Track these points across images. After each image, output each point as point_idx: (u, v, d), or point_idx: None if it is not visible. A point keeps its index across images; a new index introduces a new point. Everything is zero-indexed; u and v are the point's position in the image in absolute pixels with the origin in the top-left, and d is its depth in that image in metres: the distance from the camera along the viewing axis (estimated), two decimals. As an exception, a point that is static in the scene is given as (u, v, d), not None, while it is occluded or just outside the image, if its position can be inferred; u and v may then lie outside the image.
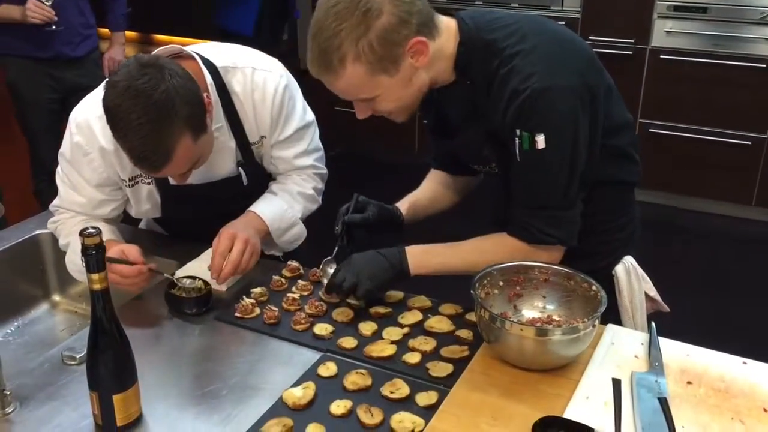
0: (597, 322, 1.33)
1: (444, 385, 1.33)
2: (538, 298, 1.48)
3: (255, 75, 1.71)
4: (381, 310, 1.57)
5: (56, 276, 1.95)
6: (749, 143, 4.04)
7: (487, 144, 1.50)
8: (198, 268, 1.70)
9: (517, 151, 1.41)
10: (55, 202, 1.80)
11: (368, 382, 1.34)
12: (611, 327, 1.44)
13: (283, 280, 1.68)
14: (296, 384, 1.34)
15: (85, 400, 1.25)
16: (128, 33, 3.80)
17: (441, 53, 1.43)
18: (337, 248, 1.62)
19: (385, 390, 1.32)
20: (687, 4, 3.97)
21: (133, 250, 1.60)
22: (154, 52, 1.54)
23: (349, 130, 5.19)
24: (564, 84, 1.37)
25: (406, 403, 1.29)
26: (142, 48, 6.61)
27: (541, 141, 1.37)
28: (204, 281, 1.61)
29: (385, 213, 1.70)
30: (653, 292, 1.67)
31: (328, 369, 1.38)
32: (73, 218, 1.77)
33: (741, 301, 3.35)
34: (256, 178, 1.81)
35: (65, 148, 1.71)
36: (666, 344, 1.39)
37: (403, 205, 1.75)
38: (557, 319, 1.44)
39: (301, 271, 1.73)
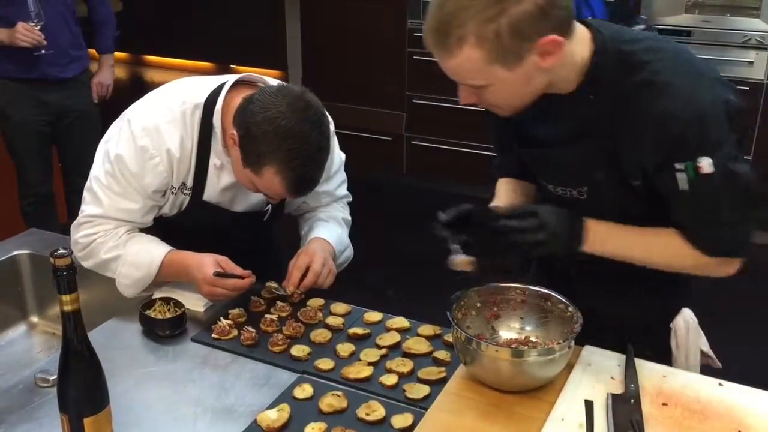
0: (572, 344, 1.33)
1: (420, 407, 1.33)
2: (515, 320, 1.48)
3: None
4: (359, 331, 1.56)
5: (34, 297, 1.94)
6: (734, 165, 4.07)
7: (602, 166, 1.36)
8: (175, 289, 1.69)
9: (685, 181, 1.27)
10: (92, 211, 1.66)
11: (344, 404, 1.33)
12: (588, 348, 1.44)
13: (261, 301, 1.68)
14: (271, 406, 1.33)
15: (58, 422, 1.23)
16: (118, 54, 3.81)
17: (571, 58, 1.28)
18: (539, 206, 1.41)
19: (361, 412, 1.31)
20: (671, 27, 4.01)
21: (230, 263, 1.63)
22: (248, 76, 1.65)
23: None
24: (716, 105, 1.25)
25: (382, 426, 1.28)
26: (132, 69, 6.65)
27: (705, 166, 1.24)
28: (178, 302, 1.60)
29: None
30: (706, 347, 1.58)
31: (304, 391, 1.37)
32: (117, 229, 1.67)
33: (717, 322, 3.34)
34: (274, 218, 1.83)
35: (123, 152, 1.62)
36: (642, 366, 1.39)
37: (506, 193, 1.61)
38: (534, 340, 1.44)
39: (280, 292, 1.72)
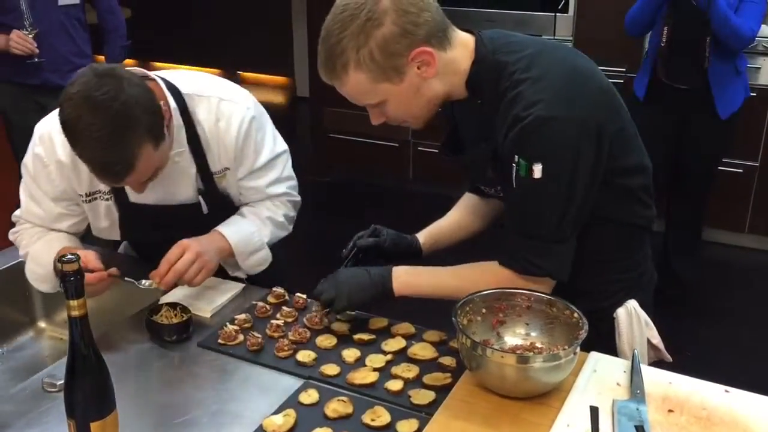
0: (578, 350, 1.33)
1: (426, 413, 1.33)
2: (520, 325, 1.48)
3: (221, 105, 1.71)
4: (365, 336, 1.57)
5: (42, 302, 1.95)
6: (741, 171, 4.06)
7: (491, 165, 1.48)
8: (180, 295, 1.70)
9: (513, 177, 1.39)
10: (17, 212, 1.81)
11: (349, 409, 1.34)
12: (594, 354, 1.44)
13: (267, 306, 1.68)
14: (277, 411, 1.33)
15: (65, 427, 1.24)
16: (127, 61, 3.82)
17: (453, 67, 1.42)
18: (341, 268, 1.62)
19: (366, 418, 1.31)
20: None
21: (91, 257, 1.60)
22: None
23: (343, 157, 5.22)
24: (568, 116, 1.34)
25: (387, 432, 1.29)
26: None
27: (537, 170, 1.35)
28: (185, 308, 1.61)
29: (402, 242, 1.70)
30: (656, 340, 1.61)
31: (310, 396, 1.37)
32: (33, 228, 1.78)
33: (725, 327, 3.35)
34: (218, 208, 1.79)
35: (27, 158, 1.72)
36: (648, 372, 1.39)
37: (423, 235, 1.75)
38: (540, 346, 1.44)
39: (286, 297, 1.73)
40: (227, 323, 1.59)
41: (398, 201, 4.64)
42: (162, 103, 1.54)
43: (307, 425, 1.29)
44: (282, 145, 1.86)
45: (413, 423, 1.30)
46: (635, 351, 1.43)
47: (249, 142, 1.73)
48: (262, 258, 1.83)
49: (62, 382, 1.37)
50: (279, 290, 1.74)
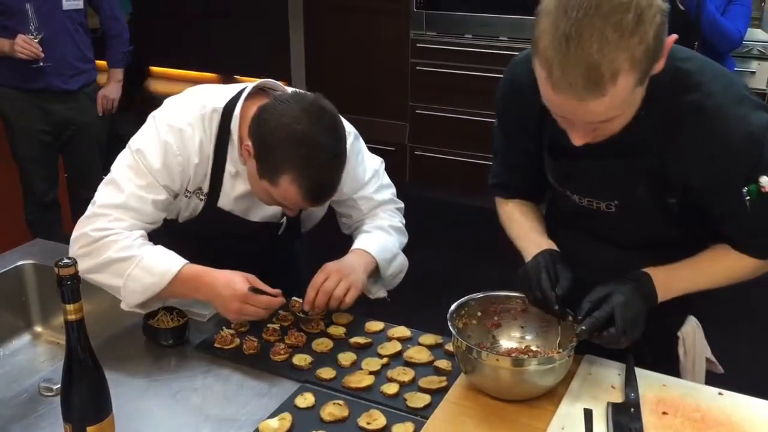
0: (572, 353, 1.34)
1: (421, 416, 1.33)
2: (516, 329, 1.48)
3: None
4: (361, 340, 1.57)
5: (39, 306, 1.95)
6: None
7: (644, 182, 1.34)
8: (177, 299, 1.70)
9: (748, 202, 1.27)
10: (110, 201, 1.58)
11: (345, 413, 1.34)
12: (588, 357, 1.45)
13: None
14: (273, 415, 1.33)
15: (62, 431, 1.24)
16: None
17: None
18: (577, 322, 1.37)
19: (362, 421, 1.32)
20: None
21: (259, 281, 1.57)
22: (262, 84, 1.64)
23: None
24: (765, 129, 1.25)
25: (383, 435, 1.29)
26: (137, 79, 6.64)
27: (766, 183, 1.25)
28: (181, 312, 1.61)
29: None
30: (709, 353, 1.59)
31: (306, 400, 1.38)
32: (133, 231, 1.58)
33: (718, 330, 3.34)
34: (290, 232, 1.80)
35: (146, 145, 1.59)
36: (642, 375, 1.39)
37: (546, 240, 1.52)
38: (535, 349, 1.44)
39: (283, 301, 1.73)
40: (223, 327, 1.60)
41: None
42: None
43: (303, 429, 1.30)
44: (377, 160, 1.89)
45: (409, 426, 1.30)
46: (629, 354, 1.43)
47: (356, 158, 1.76)
48: (401, 264, 1.81)
49: (59, 386, 1.36)
50: (298, 300, 1.73)
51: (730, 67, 3.48)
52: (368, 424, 1.31)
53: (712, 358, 1.62)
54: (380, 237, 1.77)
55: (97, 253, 1.56)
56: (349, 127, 1.71)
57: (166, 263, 1.56)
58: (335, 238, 1.87)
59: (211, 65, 6.50)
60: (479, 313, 1.48)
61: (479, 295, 1.47)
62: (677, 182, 1.32)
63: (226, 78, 6.36)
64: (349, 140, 1.67)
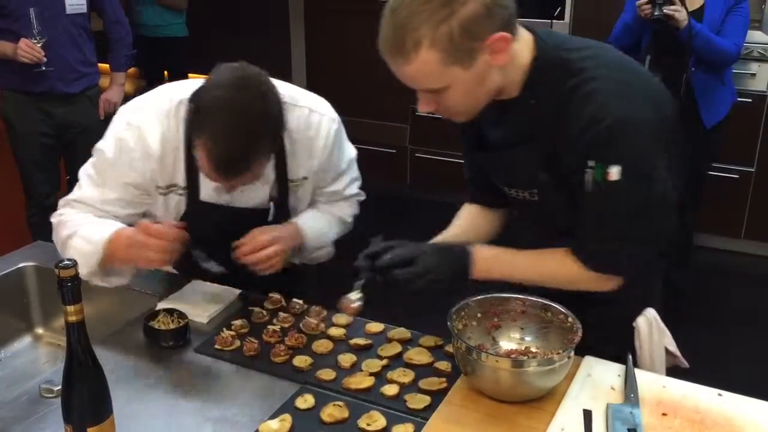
0: (572, 354, 1.34)
1: (421, 417, 1.33)
2: (515, 330, 1.49)
3: (311, 116, 1.74)
4: (361, 341, 1.57)
5: (40, 309, 1.95)
6: (737, 176, 4.07)
7: (544, 168, 1.41)
8: (179, 301, 1.71)
9: (590, 181, 1.33)
10: (68, 196, 1.74)
11: (345, 414, 1.34)
12: (588, 359, 1.45)
13: (264, 312, 1.69)
14: (273, 417, 1.34)
15: (62, 433, 1.25)
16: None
17: (516, 60, 1.34)
18: (363, 279, 1.47)
19: (362, 422, 1.32)
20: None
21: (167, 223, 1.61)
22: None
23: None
24: (644, 117, 1.29)
25: (383, 436, 1.29)
26: (138, 83, 6.69)
27: (614, 173, 1.29)
28: (182, 314, 1.62)
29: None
30: (672, 347, 1.60)
31: (306, 401, 1.38)
32: (83, 213, 1.71)
33: (720, 332, 3.36)
34: (280, 218, 1.81)
35: (106, 143, 1.68)
36: (642, 376, 1.40)
37: (445, 238, 1.63)
38: (534, 350, 1.45)
39: (283, 303, 1.74)
40: (224, 329, 1.60)
41: (396, 207, 4.65)
42: None
43: (303, 430, 1.30)
44: (353, 149, 1.94)
45: (409, 427, 1.30)
46: (628, 355, 1.43)
47: (335, 151, 1.80)
48: (326, 253, 1.91)
49: (59, 387, 1.37)
50: (276, 296, 1.74)
51: (726, 75, 3.46)
52: (368, 425, 1.31)
53: (676, 352, 1.62)
54: (322, 225, 1.86)
55: (56, 235, 1.72)
56: (332, 114, 1.79)
57: (100, 232, 1.64)
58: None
59: (211, 68, 6.50)
60: (479, 315, 1.48)
61: (479, 296, 1.48)
62: (568, 165, 1.36)
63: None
64: (333, 127, 1.77)
